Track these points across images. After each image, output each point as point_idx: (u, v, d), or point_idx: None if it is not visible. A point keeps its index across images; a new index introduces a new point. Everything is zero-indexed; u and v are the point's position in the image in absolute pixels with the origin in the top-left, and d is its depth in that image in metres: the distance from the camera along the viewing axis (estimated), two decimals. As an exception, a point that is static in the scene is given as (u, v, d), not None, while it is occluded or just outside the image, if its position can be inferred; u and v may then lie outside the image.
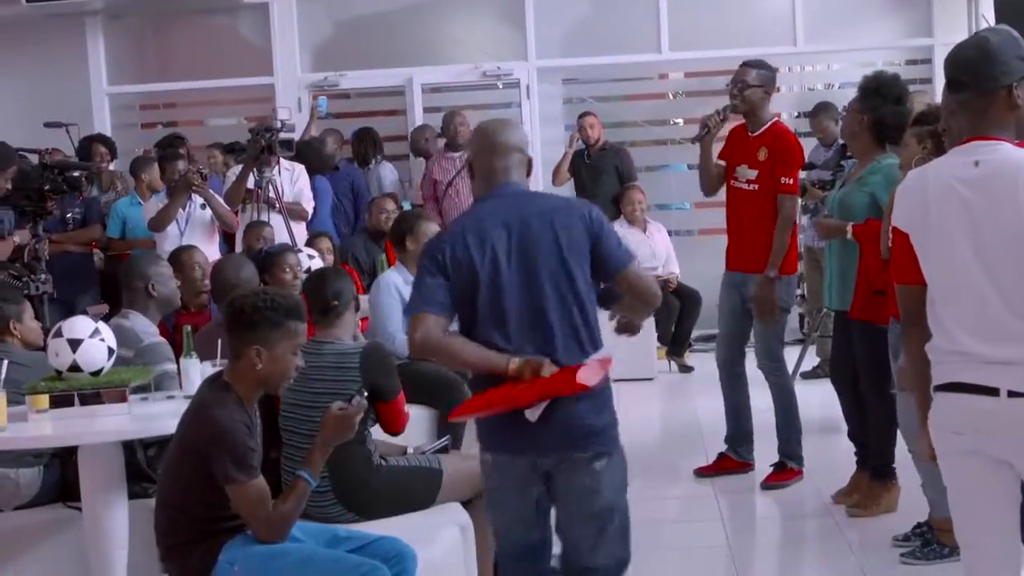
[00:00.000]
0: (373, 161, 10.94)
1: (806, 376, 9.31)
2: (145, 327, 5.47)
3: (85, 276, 8.88)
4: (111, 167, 10.31)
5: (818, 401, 8.40)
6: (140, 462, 5.06)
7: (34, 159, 7.71)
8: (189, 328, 5.14)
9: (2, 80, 11.99)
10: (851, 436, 6.44)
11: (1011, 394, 3.16)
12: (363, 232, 9.32)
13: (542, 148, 11.62)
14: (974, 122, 3.32)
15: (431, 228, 6.98)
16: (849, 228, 6.02)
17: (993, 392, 3.18)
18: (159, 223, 8.61)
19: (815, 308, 9.12)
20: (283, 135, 8.81)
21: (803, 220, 8.94)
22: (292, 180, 9.10)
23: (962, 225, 3.24)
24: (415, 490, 4.90)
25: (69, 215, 8.68)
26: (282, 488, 4.36)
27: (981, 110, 3.30)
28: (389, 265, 8.12)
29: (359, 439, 4.62)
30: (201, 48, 12.44)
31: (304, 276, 6.82)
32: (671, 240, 10.77)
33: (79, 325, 4.86)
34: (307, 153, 9.87)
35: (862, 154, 6.08)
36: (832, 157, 9.03)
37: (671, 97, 12.78)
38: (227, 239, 9.08)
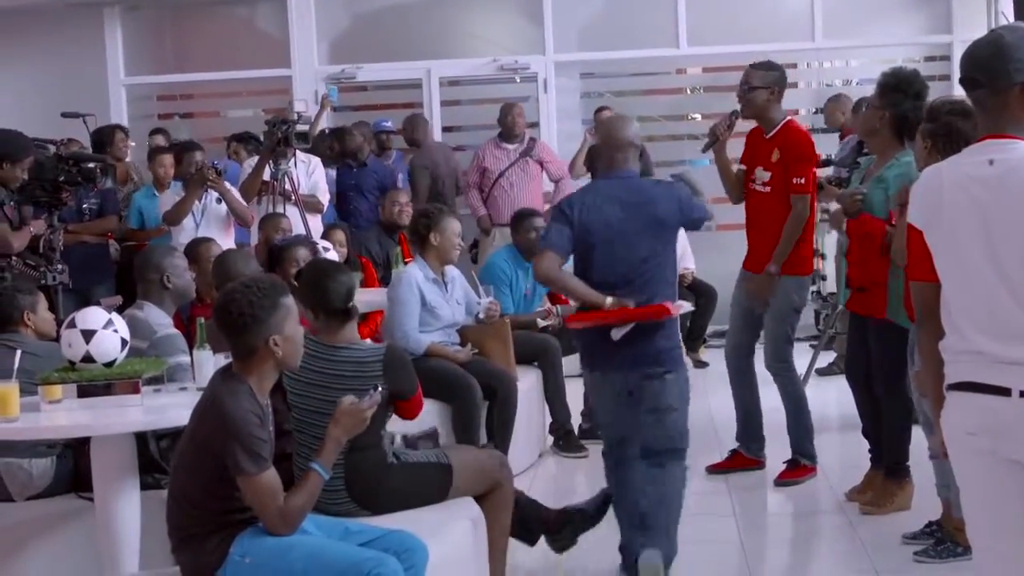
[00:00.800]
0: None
1: (822, 373, 9.29)
2: (159, 319, 5.48)
3: (101, 267, 8.91)
4: (128, 158, 10.33)
5: (834, 398, 8.40)
6: (152, 453, 5.08)
7: (51, 149, 7.72)
8: (203, 320, 5.14)
9: (20, 70, 12.04)
10: (865, 434, 6.42)
11: (1023, 394, 3.14)
12: (377, 225, 9.33)
13: (559, 142, 11.61)
14: (989, 120, 3.30)
15: (455, 224, 6.97)
16: (844, 222, 6.02)
17: (1005, 392, 3.16)
18: (175, 216, 8.63)
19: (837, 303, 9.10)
20: (299, 127, 8.82)
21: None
22: (308, 172, 9.13)
23: (975, 224, 3.22)
24: (427, 486, 4.89)
25: (85, 206, 8.69)
26: (294, 480, 4.37)
27: (996, 108, 3.28)
28: (404, 258, 8.12)
29: (374, 441, 4.63)
30: (218, 39, 12.48)
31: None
32: (687, 236, 10.73)
33: (92, 316, 4.85)
34: (319, 146, 9.89)
35: (882, 151, 6.04)
36: (848, 154, 8.99)
37: (688, 92, 12.76)
38: (241, 232, 9.07)
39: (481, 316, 7.12)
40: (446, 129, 12.24)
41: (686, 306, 5.50)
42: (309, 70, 12.09)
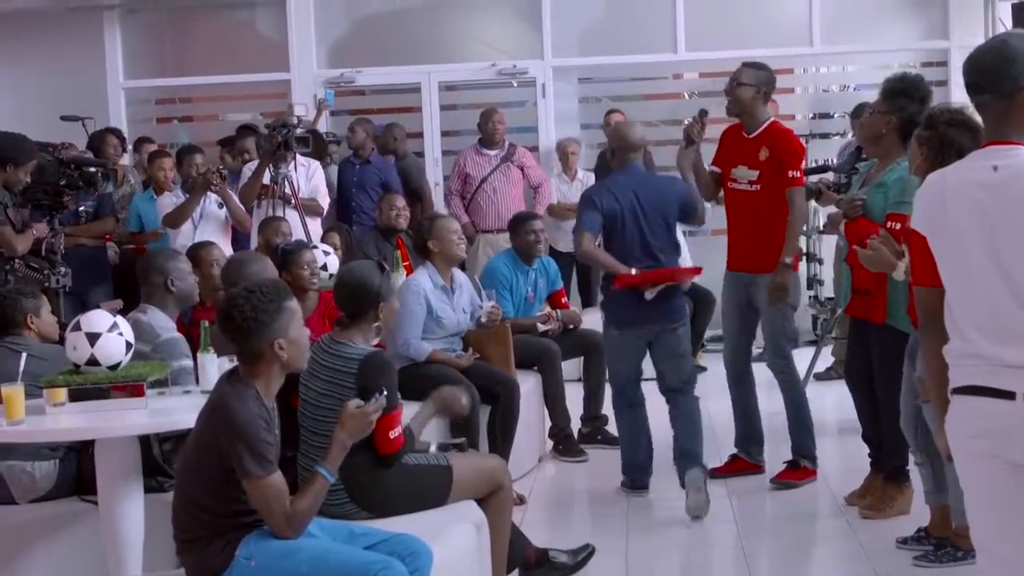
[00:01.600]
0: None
1: (820, 377, 9.30)
2: (163, 322, 5.49)
3: (98, 270, 8.90)
4: (123, 161, 10.33)
5: (832, 402, 8.42)
6: (156, 456, 5.08)
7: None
8: (207, 323, 5.15)
9: (20, 73, 12.03)
10: (865, 438, 6.44)
11: (1027, 398, 3.16)
12: (374, 229, 9.34)
13: (555, 147, 11.62)
14: (993, 125, 3.33)
15: (449, 223, 7.02)
16: (841, 226, 6.04)
17: (1010, 396, 3.18)
18: (176, 219, 8.65)
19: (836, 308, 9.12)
20: (299, 131, 8.83)
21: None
22: (308, 176, 9.13)
23: (979, 229, 3.24)
24: (427, 487, 4.90)
25: (81, 208, 8.68)
26: (299, 483, 4.39)
27: (1000, 113, 3.30)
28: (402, 261, 8.13)
29: (372, 440, 4.63)
30: (218, 43, 12.47)
31: (320, 272, 6.87)
32: (685, 240, 10.75)
33: (97, 319, 4.87)
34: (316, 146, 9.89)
35: (885, 156, 6.04)
36: (847, 160, 9.01)
37: (686, 97, 12.77)
38: (237, 235, 9.06)
39: (483, 320, 7.14)
40: (444, 133, 12.25)
41: (697, 271, 7.08)
42: (308, 74, 12.09)
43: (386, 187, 10.23)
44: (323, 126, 11.26)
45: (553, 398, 7.67)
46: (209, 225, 8.66)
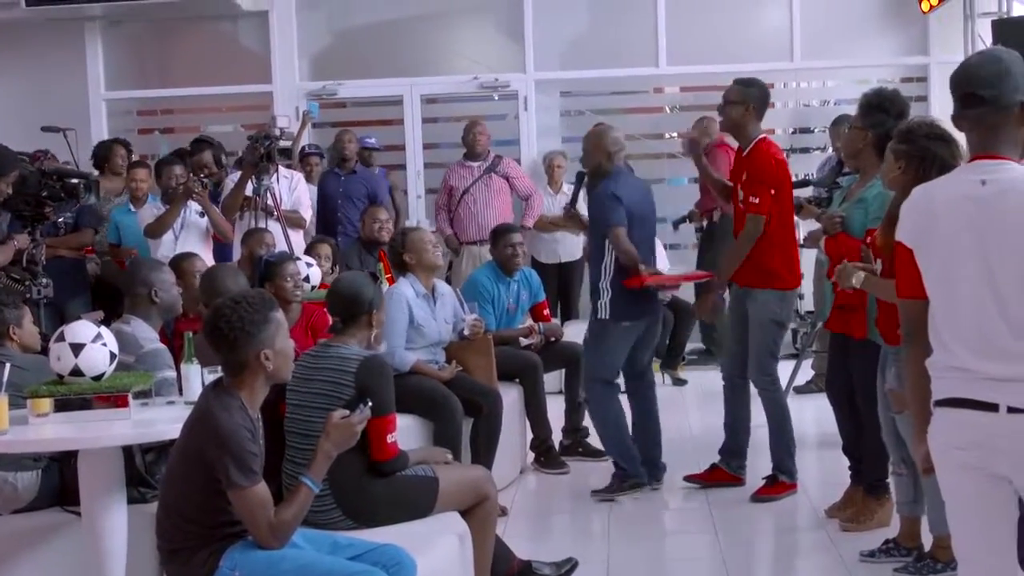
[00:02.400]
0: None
1: (800, 391, 9.33)
2: (146, 333, 5.48)
3: (76, 281, 8.84)
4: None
5: (812, 416, 8.44)
6: (139, 467, 5.07)
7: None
8: (191, 334, 5.15)
9: (0, 83, 12.00)
10: (846, 451, 6.47)
11: (1011, 410, 3.19)
12: (357, 241, 9.35)
13: (539, 160, 11.65)
14: (984, 138, 3.34)
15: (420, 234, 7.06)
16: (821, 242, 6.08)
17: (993, 408, 3.21)
18: (156, 230, 8.62)
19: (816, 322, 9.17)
20: (282, 143, 8.82)
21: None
22: (290, 188, 9.14)
23: (966, 243, 3.26)
24: (413, 497, 4.92)
25: (61, 219, 8.65)
26: (284, 491, 4.39)
27: (995, 126, 3.32)
28: (384, 273, 8.14)
29: (360, 447, 4.63)
30: (200, 55, 12.47)
31: (303, 284, 6.87)
32: (666, 253, 10.78)
33: (81, 330, 4.86)
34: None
35: (865, 171, 6.08)
36: (828, 174, 9.06)
37: (668, 111, 12.82)
38: (219, 246, 9.05)
39: (465, 332, 7.16)
40: (426, 146, 12.27)
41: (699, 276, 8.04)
42: (290, 86, 12.10)
43: (372, 198, 10.25)
44: (306, 138, 11.26)
45: (535, 410, 7.68)
46: (191, 235, 8.63)
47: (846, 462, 6.46)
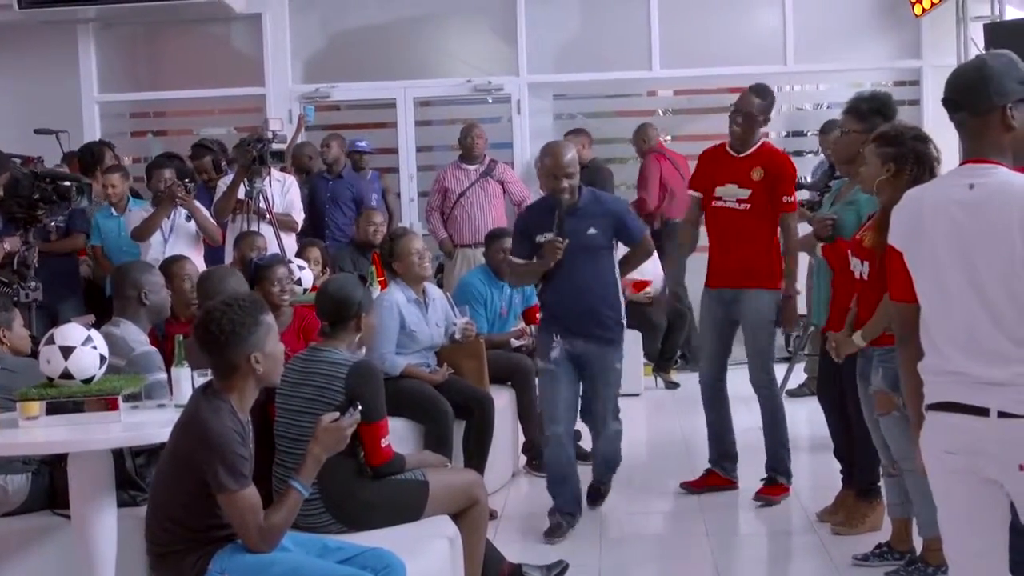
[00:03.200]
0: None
1: (792, 394, 9.33)
2: (136, 336, 5.47)
3: (68, 283, 8.83)
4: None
5: (804, 419, 8.45)
6: (129, 470, 5.06)
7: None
8: (181, 337, 5.14)
9: (-7, 86, 12.00)
10: (837, 455, 6.47)
11: (1001, 414, 3.19)
12: (350, 244, 9.35)
13: (532, 163, 11.64)
14: (970, 143, 3.36)
15: (411, 243, 6.98)
16: (819, 247, 6.08)
17: (983, 412, 3.21)
18: (142, 233, 8.59)
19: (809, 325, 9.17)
20: (275, 146, 8.81)
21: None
22: (283, 191, 9.12)
23: (954, 247, 3.27)
24: (404, 502, 4.91)
25: (52, 223, 8.64)
26: (274, 494, 4.38)
27: (978, 131, 3.34)
28: (377, 276, 8.14)
29: (350, 451, 4.63)
30: (193, 57, 12.45)
31: (292, 289, 6.86)
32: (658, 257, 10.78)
33: (72, 333, 4.84)
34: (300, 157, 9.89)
35: (858, 174, 6.07)
36: (820, 178, 9.06)
37: (661, 114, 12.82)
38: (210, 249, 9.04)
39: (457, 336, 7.15)
40: (419, 149, 12.27)
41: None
42: (283, 89, 12.09)
43: (358, 202, 10.24)
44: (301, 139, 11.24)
45: (526, 413, 7.68)
46: (180, 239, 8.62)
47: (838, 466, 6.46)
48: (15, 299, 6.92)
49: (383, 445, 4.86)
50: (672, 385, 10.31)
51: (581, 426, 7.23)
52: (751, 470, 6.99)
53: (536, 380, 7.72)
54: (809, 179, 9.87)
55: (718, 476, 7.06)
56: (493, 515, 6.56)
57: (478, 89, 12.04)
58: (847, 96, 6.50)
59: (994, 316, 3.22)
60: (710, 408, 7.06)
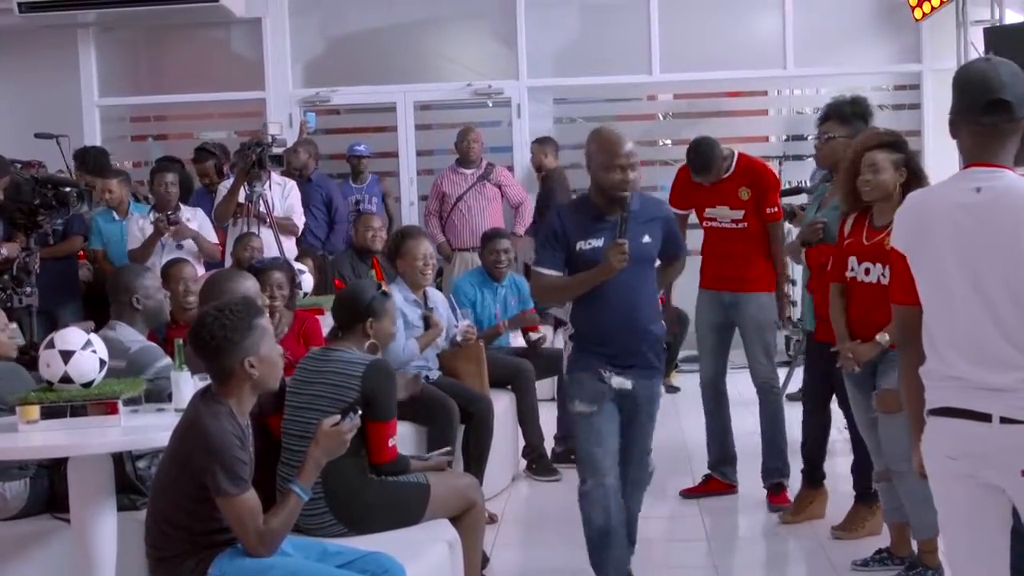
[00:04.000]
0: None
1: (792, 398, 9.31)
2: (131, 336, 5.45)
3: (67, 288, 8.82)
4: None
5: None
6: (129, 474, 5.06)
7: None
8: (180, 341, 5.12)
9: (-6, 90, 12.01)
10: (805, 451, 6.49)
11: (1003, 420, 3.17)
12: (349, 249, 9.36)
13: (532, 167, 11.66)
14: (985, 146, 3.30)
15: (418, 247, 6.95)
16: (801, 253, 6.10)
17: (985, 418, 3.19)
18: (139, 257, 8.51)
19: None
20: (274, 150, 8.82)
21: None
22: (283, 195, 9.14)
23: (959, 251, 3.25)
24: (405, 504, 4.92)
25: (50, 227, 8.62)
26: (277, 492, 4.39)
27: (1004, 133, 3.29)
28: (377, 281, 8.14)
29: (354, 450, 4.64)
30: (193, 61, 12.46)
31: (296, 292, 6.86)
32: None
33: (71, 336, 4.84)
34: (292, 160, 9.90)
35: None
36: (819, 183, 9.05)
37: (660, 118, 12.84)
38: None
39: (458, 339, 7.15)
40: (419, 153, 12.28)
41: None
42: (283, 93, 12.10)
43: (328, 204, 10.28)
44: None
45: (527, 417, 7.68)
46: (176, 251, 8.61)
47: (836, 470, 6.47)
48: (8, 304, 6.91)
49: (389, 444, 4.90)
50: (672, 389, 10.30)
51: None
52: (750, 474, 6.99)
53: (536, 384, 7.77)
54: (808, 183, 9.85)
55: (718, 481, 7.06)
56: (492, 519, 6.56)
57: (478, 93, 12.05)
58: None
59: (997, 321, 3.20)
60: (711, 412, 7.07)
